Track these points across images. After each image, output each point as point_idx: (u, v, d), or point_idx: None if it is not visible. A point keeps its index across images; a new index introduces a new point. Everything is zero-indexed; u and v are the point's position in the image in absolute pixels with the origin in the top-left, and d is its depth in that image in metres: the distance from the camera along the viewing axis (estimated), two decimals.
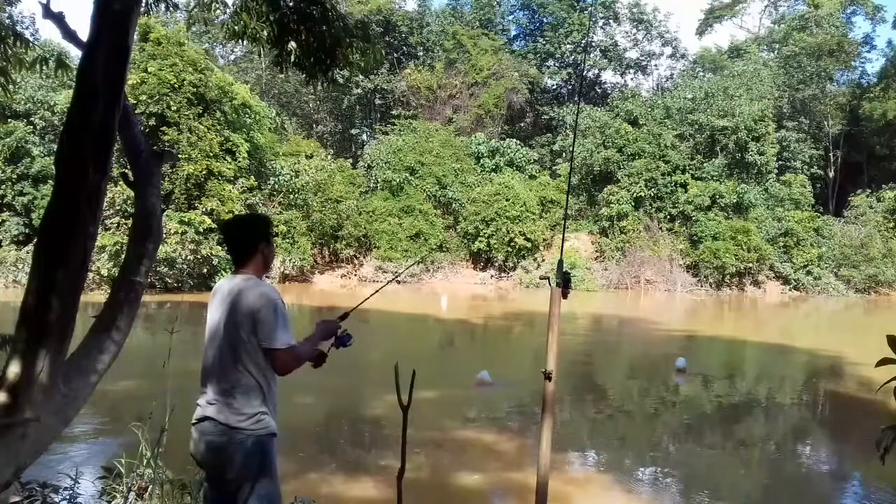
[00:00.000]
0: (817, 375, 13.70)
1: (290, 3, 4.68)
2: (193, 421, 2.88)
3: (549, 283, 2.97)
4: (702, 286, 32.21)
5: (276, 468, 2.86)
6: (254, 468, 2.77)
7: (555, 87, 47.46)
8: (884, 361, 1.96)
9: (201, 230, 23.96)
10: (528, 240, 32.02)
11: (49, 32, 56.81)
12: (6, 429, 3.22)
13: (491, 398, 10.47)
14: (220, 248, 24.93)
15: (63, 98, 26.34)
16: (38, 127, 27.96)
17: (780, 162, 37.21)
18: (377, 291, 3.40)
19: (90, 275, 19.10)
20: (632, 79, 48.53)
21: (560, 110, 42.57)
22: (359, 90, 42.00)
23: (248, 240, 3.02)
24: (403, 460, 2.63)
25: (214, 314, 2.96)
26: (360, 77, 37.86)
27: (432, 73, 41.44)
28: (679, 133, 35.80)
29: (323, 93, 39.69)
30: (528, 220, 32.20)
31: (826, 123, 41.64)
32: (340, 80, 36.36)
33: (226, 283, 3.03)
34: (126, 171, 4.14)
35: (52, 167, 3.60)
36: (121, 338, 3.44)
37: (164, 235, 17.95)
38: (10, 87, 5.06)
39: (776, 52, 44.56)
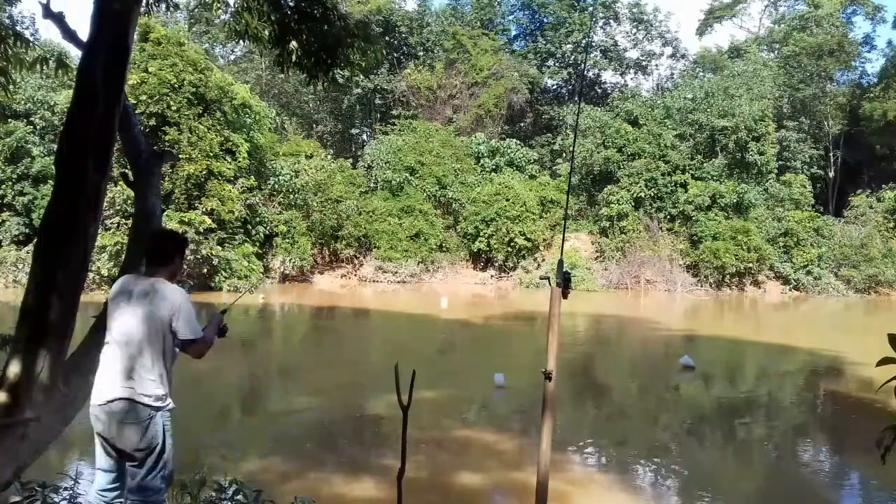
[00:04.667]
0: (817, 375, 13.70)
1: (292, 3, 4.68)
2: (101, 402, 3.17)
3: (550, 283, 2.97)
4: (702, 286, 32.19)
5: (172, 443, 3.28)
6: (157, 442, 3.19)
7: (555, 87, 47.45)
8: (884, 361, 1.96)
9: (201, 230, 23.95)
10: (528, 240, 32.01)
11: (49, 32, 56.88)
12: (6, 429, 3.22)
13: (492, 398, 10.48)
14: (220, 248, 24.93)
15: (63, 98, 26.32)
16: (38, 127, 27.94)
17: (780, 162, 37.18)
18: (244, 294, 3.79)
19: (90, 275, 19.11)
20: (632, 79, 48.54)
21: (560, 110, 42.54)
22: (359, 90, 41.97)
23: (170, 250, 3.45)
24: (404, 460, 2.63)
25: (127, 308, 3.21)
26: (361, 77, 37.84)
27: (432, 73, 41.42)
28: (679, 133, 35.78)
29: (323, 93, 39.59)
30: (528, 220, 32.19)
31: (826, 123, 41.62)
32: (340, 80, 36.30)
33: (135, 284, 3.29)
34: (126, 171, 4.14)
35: (52, 167, 3.60)
36: None
37: None
38: (10, 87, 5.06)
39: (776, 52, 44.53)
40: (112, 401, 3.14)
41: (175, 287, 3.32)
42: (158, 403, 3.18)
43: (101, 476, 3.32)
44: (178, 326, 3.20)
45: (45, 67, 4.63)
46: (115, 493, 3.29)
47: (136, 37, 5.65)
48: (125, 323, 3.20)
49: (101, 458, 3.30)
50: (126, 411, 3.14)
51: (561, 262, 3.01)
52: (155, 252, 3.42)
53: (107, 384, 3.18)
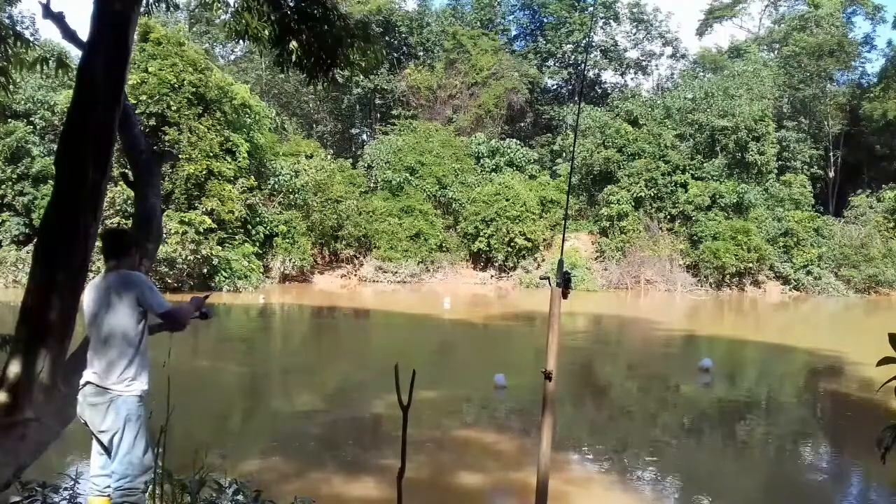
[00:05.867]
0: (817, 375, 13.70)
1: (292, 3, 4.68)
2: (80, 387, 3.41)
3: (550, 284, 2.96)
4: (702, 286, 32.19)
5: (144, 422, 3.42)
6: (119, 426, 3.33)
7: (555, 87, 47.45)
8: (884, 361, 1.96)
9: (201, 230, 23.93)
10: (528, 240, 32.01)
11: (49, 32, 56.74)
12: (6, 429, 3.22)
13: (492, 398, 10.48)
14: (220, 248, 24.91)
15: (63, 98, 26.28)
16: (38, 127, 27.91)
17: (780, 162, 37.15)
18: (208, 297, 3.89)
19: (90, 275, 19.02)
20: (632, 79, 48.55)
21: (560, 110, 42.53)
22: (359, 90, 41.96)
23: (127, 243, 3.61)
24: (403, 460, 2.63)
25: (94, 302, 3.40)
26: (361, 77, 37.76)
27: (432, 73, 41.41)
28: (679, 133, 35.77)
29: (323, 93, 39.57)
30: (528, 220, 32.20)
31: (826, 123, 41.60)
32: (340, 80, 36.25)
33: (102, 279, 3.47)
34: (126, 171, 4.14)
35: (52, 167, 3.60)
36: None
37: (164, 235, 17.93)
38: (11, 87, 5.06)
39: (776, 52, 44.51)
40: (84, 385, 3.38)
41: (133, 272, 3.50)
42: (119, 387, 3.31)
43: (92, 463, 3.45)
44: (149, 304, 3.36)
45: (45, 67, 4.63)
46: (107, 483, 3.38)
47: (136, 37, 5.65)
48: (95, 315, 3.39)
49: (93, 446, 3.45)
50: (91, 395, 3.34)
51: (561, 262, 3.01)
52: (113, 246, 3.55)
53: (85, 372, 3.41)
